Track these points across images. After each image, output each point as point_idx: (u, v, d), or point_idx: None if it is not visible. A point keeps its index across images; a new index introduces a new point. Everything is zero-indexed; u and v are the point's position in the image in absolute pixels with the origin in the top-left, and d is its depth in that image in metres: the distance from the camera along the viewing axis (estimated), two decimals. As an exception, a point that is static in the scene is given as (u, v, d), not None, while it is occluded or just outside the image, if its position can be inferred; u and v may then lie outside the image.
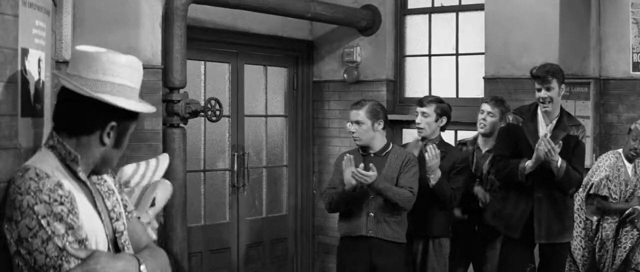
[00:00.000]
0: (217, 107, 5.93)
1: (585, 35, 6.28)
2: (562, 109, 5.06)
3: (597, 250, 5.84)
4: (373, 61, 7.41)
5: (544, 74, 4.91)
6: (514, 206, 5.06)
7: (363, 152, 5.13)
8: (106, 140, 2.35)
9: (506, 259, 5.15)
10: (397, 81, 7.46)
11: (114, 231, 2.40)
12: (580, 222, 5.89)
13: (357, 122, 5.06)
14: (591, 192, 5.84)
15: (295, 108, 7.80)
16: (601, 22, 6.35)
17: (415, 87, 7.46)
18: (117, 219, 2.43)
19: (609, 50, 6.32)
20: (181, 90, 5.95)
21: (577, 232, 5.87)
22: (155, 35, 5.76)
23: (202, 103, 6.11)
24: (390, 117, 7.20)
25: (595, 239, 5.87)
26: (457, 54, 7.13)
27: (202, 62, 6.98)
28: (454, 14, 7.16)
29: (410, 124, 7.35)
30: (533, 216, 4.97)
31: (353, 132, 5.10)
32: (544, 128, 4.97)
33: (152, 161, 3.56)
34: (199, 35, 6.69)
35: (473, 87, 6.93)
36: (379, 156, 5.09)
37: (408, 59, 7.50)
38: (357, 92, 7.38)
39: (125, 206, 2.53)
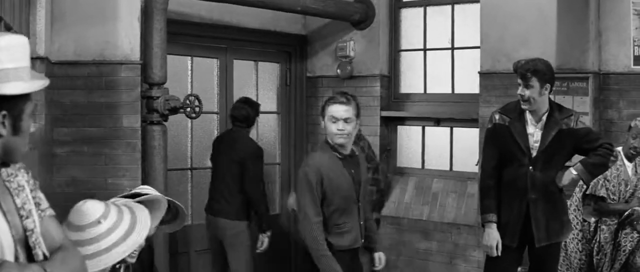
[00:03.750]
0: (197, 103, 5.73)
1: (584, 27, 5.97)
2: (552, 103, 4.76)
3: (595, 253, 5.54)
4: (367, 56, 7.17)
5: (523, 71, 4.63)
6: (507, 212, 4.78)
7: (340, 155, 4.40)
8: (2, 130, 2.18)
9: (493, 266, 4.86)
10: (391, 76, 7.20)
11: (24, 230, 2.24)
12: (577, 224, 5.60)
13: (347, 120, 4.30)
14: (588, 192, 5.54)
15: (288, 104, 7.57)
16: (601, 14, 6.03)
17: (410, 83, 7.20)
18: (27, 217, 2.26)
19: (608, 44, 6.01)
20: (162, 86, 5.76)
21: (573, 235, 5.60)
22: (134, 30, 5.57)
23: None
24: (385, 113, 7.02)
25: (593, 241, 5.58)
26: (452, 48, 6.87)
27: (189, 57, 6.78)
28: (449, 7, 6.90)
29: (405, 120, 7.11)
30: (529, 220, 4.70)
31: (342, 131, 4.29)
32: (532, 127, 4.70)
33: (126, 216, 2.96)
34: (185, 29, 6.52)
35: (469, 83, 6.65)
36: (353, 157, 4.52)
37: (403, 54, 7.24)
38: (351, 88, 7.12)
39: (38, 204, 2.36)
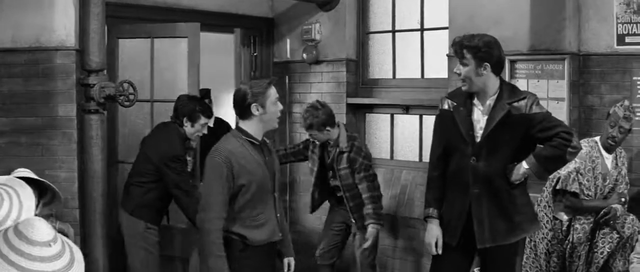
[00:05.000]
0: (131, 90, 5.33)
1: (560, 3, 5.40)
2: (504, 85, 4.18)
3: (567, 255, 5.01)
4: (333, 39, 6.69)
5: (457, 47, 4.12)
6: (450, 207, 4.26)
7: (256, 142, 4.09)
8: None
9: (436, 265, 4.35)
10: (359, 61, 6.71)
11: None
12: (547, 222, 5.06)
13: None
14: (558, 187, 4.98)
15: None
16: (580, -12, 5.52)
17: (379, 68, 6.70)
18: None
19: (589, 21, 5.44)
20: (100, 73, 5.37)
21: (543, 234, 5.08)
22: (69, 14, 5.29)
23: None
24: (353, 100, 6.55)
25: (566, 242, 5.02)
26: (422, 30, 6.36)
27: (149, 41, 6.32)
28: (419, -15, 6.39)
29: (373, 108, 6.62)
30: (472, 217, 4.14)
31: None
32: (478, 112, 4.15)
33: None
34: (139, 13, 6.11)
35: (439, 67, 6.15)
36: (266, 144, 4.22)
37: (372, 36, 6.74)
38: (317, 73, 6.69)
39: None
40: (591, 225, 4.96)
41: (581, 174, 4.93)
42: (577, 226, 4.97)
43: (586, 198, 4.95)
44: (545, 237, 5.07)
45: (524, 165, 4.08)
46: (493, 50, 4.07)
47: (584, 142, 5.01)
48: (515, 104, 4.07)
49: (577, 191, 4.92)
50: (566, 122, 5.37)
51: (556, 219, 5.04)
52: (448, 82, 5.75)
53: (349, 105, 6.59)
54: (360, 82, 6.68)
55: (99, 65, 5.38)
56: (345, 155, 5.65)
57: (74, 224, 5.33)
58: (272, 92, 4.06)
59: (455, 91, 4.34)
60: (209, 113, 5.47)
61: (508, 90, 4.14)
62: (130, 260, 5.42)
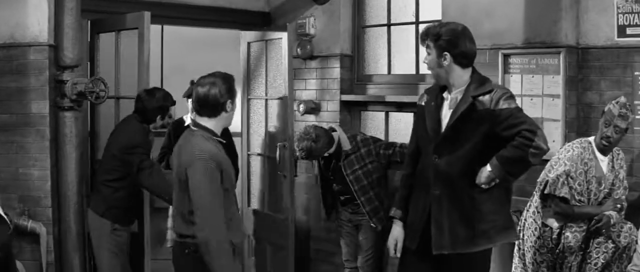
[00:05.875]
0: (102, 87, 5.20)
1: (557, -8, 5.10)
2: (474, 78, 3.86)
3: (557, 266, 4.64)
4: (327, 33, 6.42)
5: (422, 34, 3.89)
6: (413, 208, 3.97)
7: (222, 141, 4.00)
8: None
9: (400, 268, 4.07)
10: (354, 56, 6.43)
11: None
12: (535, 229, 4.69)
13: None
14: (546, 191, 4.60)
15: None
16: (578, -24, 5.15)
17: (375, 63, 6.41)
18: None
19: (588, 12, 5.06)
20: (75, 69, 5.32)
21: (531, 243, 4.72)
22: (43, 10, 5.22)
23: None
24: (347, 97, 6.31)
25: (557, 251, 4.64)
26: (417, 23, 6.05)
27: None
28: (414, -25, 6.08)
29: (368, 105, 6.34)
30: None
31: None
32: (446, 107, 3.86)
33: None
34: (129, 8, 5.94)
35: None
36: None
37: (368, 30, 6.45)
38: (312, 69, 6.44)
39: None
40: (584, 233, 4.58)
41: (572, 178, 4.55)
42: (567, 233, 4.59)
43: (578, 204, 4.57)
44: (533, 246, 4.71)
45: (487, 168, 3.76)
46: (457, 40, 3.79)
47: (576, 143, 4.67)
48: (481, 97, 3.75)
49: (567, 195, 4.54)
50: (562, 121, 5.06)
51: (546, 226, 4.68)
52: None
53: (343, 103, 6.32)
54: (355, 78, 6.40)
55: (74, 61, 5.29)
56: (353, 156, 5.53)
57: (46, 222, 5.24)
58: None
59: (433, 85, 4.05)
60: (173, 102, 5.34)
61: (476, 83, 3.83)
62: (97, 262, 5.27)
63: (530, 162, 3.72)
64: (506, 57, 5.28)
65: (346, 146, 5.56)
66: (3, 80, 5.18)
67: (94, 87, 5.19)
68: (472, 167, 3.78)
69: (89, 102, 5.41)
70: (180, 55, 8.37)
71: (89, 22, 5.82)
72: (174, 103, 5.33)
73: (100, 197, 5.20)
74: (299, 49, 6.47)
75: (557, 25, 5.05)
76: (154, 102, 5.15)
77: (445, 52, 3.76)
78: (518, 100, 5.24)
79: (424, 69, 5.91)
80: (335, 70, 6.30)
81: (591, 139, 4.68)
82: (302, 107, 6.36)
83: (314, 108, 6.40)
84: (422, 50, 5.62)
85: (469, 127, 3.75)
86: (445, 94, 3.89)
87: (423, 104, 3.96)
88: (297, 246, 6.17)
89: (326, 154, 5.59)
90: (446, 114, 3.84)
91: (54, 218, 5.26)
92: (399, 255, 4.04)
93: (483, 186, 3.78)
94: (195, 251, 3.71)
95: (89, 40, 5.84)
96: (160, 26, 7.88)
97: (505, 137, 3.73)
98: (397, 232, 4.04)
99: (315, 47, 6.46)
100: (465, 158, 3.77)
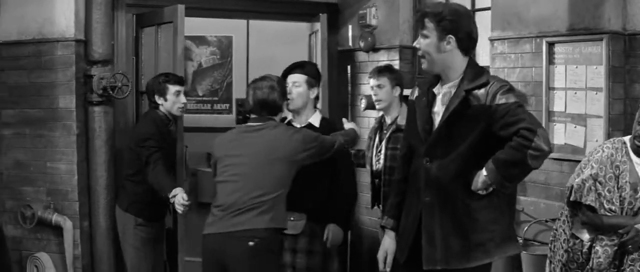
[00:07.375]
0: (125, 81, 5.18)
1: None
2: (470, 66, 3.28)
3: None
4: (388, 24, 5.97)
5: (418, 16, 3.38)
6: (406, 216, 3.48)
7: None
8: None
9: None
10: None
11: None
12: (564, 241, 4.01)
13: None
14: (572, 198, 3.90)
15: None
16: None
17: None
18: None
19: (637, -7, 4.27)
20: (105, 64, 5.33)
21: (559, 256, 4.04)
22: (70, 5, 5.24)
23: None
24: (408, 92, 5.78)
25: (587, 267, 3.91)
26: (473, 10, 5.43)
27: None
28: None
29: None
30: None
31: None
32: (439, 102, 3.32)
33: None
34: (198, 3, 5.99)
35: (482, 51, 5.23)
36: None
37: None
38: (374, 62, 5.98)
39: None
40: (616, 248, 3.82)
41: (600, 183, 3.81)
42: (597, 248, 3.85)
43: (608, 213, 3.82)
44: (560, 261, 4.03)
45: (483, 172, 3.19)
46: (462, 20, 3.25)
47: (608, 144, 3.91)
48: (475, 91, 3.20)
49: (594, 204, 3.82)
50: (604, 117, 4.29)
51: (576, 238, 3.97)
52: (488, 69, 4.85)
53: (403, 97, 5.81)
54: (416, 72, 5.87)
55: (102, 55, 5.32)
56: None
57: (73, 216, 5.29)
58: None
59: (426, 77, 3.53)
60: (176, 79, 5.07)
61: (471, 74, 3.26)
62: (124, 257, 5.23)
63: (530, 166, 3.11)
64: (551, 45, 4.58)
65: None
66: (32, 75, 5.28)
67: (116, 82, 5.18)
68: (467, 171, 3.24)
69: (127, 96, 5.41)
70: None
71: (134, 16, 5.82)
72: (177, 81, 5.11)
73: (124, 192, 5.16)
74: (361, 42, 6.07)
75: (600, 8, 4.29)
76: (153, 81, 5.09)
77: (450, 35, 3.22)
78: (562, 95, 4.58)
79: (480, 60, 5.35)
80: (394, 63, 5.80)
81: (627, 138, 3.89)
82: (363, 102, 5.93)
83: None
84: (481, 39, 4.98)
85: (463, 126, 3.21)
86: (436, 88, 3.35)
87: (414, 98, 3.46)
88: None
89: None
90: (439, 111, 3.31)
91: (82, 212, 5.30)
92: (388, 270, 3.58)
93: (480, 192, 3.23)
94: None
95: (134, 35, 5.85)
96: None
97: (503, 137, 3.16)
98: (387, 243, 3.57)
99: (377, 39, 6.03)
100: (459, 161, 3.24)
